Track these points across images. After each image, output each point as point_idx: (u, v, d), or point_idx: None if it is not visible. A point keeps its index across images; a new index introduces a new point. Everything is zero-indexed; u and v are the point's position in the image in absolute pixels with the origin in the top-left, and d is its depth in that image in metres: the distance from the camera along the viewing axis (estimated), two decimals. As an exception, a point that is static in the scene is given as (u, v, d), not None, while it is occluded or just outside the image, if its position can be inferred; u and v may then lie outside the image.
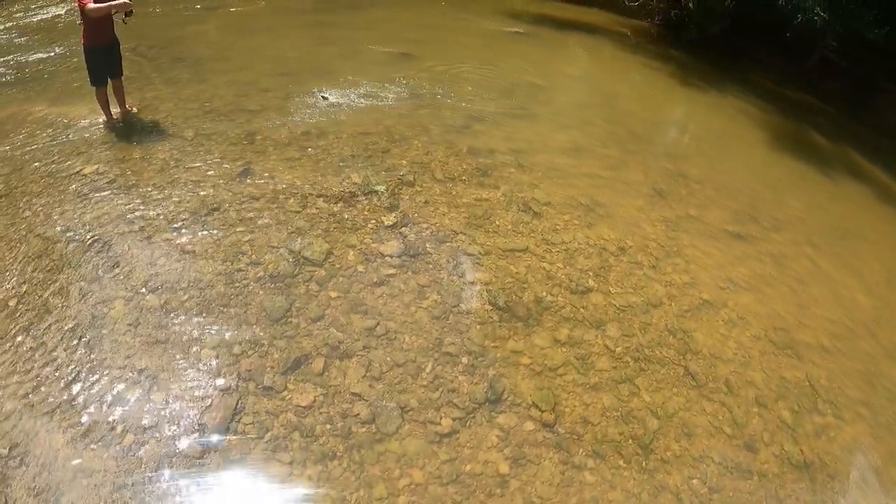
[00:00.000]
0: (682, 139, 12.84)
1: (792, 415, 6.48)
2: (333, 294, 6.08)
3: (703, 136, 13.05)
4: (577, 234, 7.74)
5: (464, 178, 8.31)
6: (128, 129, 8.47)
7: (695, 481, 5.50)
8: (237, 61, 11.54)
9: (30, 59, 11.29)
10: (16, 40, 12.36)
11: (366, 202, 7.41)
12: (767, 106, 15.24)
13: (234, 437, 4.79)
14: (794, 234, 9.65)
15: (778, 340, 7.32)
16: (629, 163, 10.18)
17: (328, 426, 4.99)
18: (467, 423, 5.29)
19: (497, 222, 7.60)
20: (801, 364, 7.14)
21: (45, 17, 13.94)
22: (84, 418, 4.82)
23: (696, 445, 5.80)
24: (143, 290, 5.90)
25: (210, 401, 5.00)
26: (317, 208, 7.16)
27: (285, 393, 5.15)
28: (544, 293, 6.74)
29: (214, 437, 4.77)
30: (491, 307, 6.39)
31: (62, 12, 14.08)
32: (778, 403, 6.53)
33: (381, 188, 7.63)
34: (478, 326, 6.14)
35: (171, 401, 4.97)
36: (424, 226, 7.21)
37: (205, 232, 6.64)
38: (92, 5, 7.26)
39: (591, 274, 7.20)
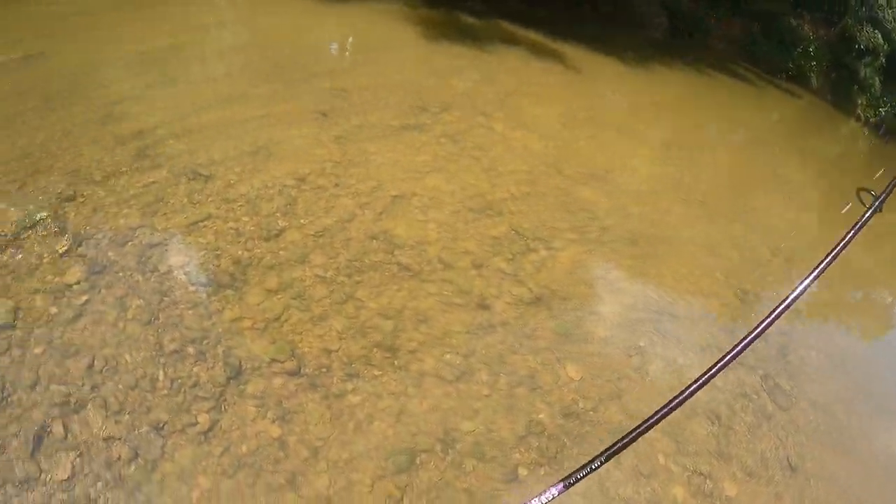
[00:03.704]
0: (338, 57, 13.17)
1: (509, 263, 7.24)
2: (38, 350, 5.80)
3: (359, 48, 13.49)
4: (254, 182, 7.90)
5: (123, 169, 8.01)
6: None
7: (448, 356, 6.05)
8: None
9: None
10: None
11: (33, 237, 6.97)
12: (414, 2, 15.75)
13: (22, 554, 4.59)
14: (462, 110, 10.43)
15: (475, 206, 8.03)
16: (288, 95, 10.37)
17: (99, 484, 4.90)
18: (222, 408, 5.48)
19: (171, 201, 7.52)
20: (502, 218, 7.94)
21: None
22: None
23: (436, 326, 6.35)
24: None
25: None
26: (-17, 266, 6.69)
27: (43, 475, 4.94)
28: (240, 252, 6.93)
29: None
30: (194, 287, 6.49)
31: None
32: (494, 259, 7.27)
33: (43, 215, 7.21)
34: (190, 312, 6.23)
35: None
36: (100, 236, 6.99)
37: None
38: None
39: (279, 215, 7.44)
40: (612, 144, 11.43)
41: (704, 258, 9.67)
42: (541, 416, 6.00)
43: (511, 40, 14.75)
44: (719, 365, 2.71)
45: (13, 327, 6.01)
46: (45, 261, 6.70)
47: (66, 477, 4.92)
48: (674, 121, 13.15)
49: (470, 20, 15.50)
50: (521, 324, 6.69)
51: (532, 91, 12.11)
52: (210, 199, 7.62)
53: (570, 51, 15.22)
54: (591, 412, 6.27)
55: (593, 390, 6.48)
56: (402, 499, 5.13)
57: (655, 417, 2.53)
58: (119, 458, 5.04)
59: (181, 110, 9.63)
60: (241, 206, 7.55)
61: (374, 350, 6.08)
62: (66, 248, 6.83)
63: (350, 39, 14.23)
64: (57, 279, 6.48)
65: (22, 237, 7.01)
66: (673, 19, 25.17)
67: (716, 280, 9.32)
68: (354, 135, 9.29)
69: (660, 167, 11.59)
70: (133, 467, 5.00)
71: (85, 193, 7.59)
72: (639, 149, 11.47)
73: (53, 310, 6.18)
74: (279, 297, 6.49)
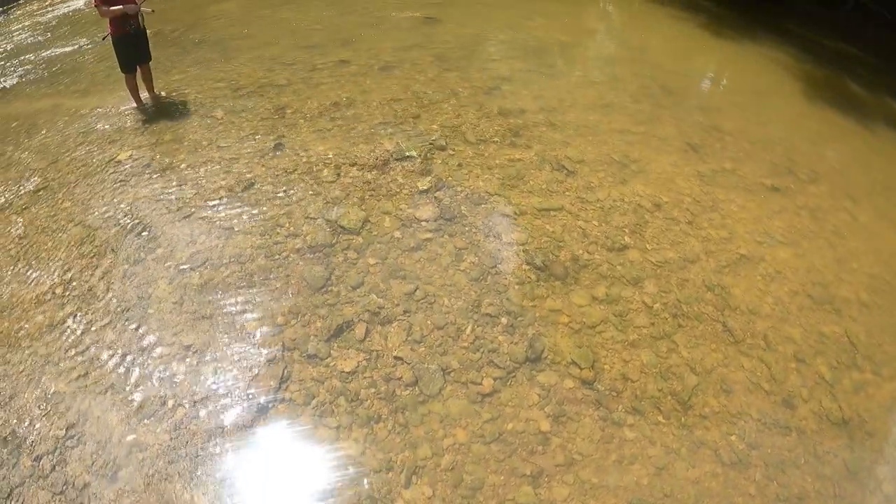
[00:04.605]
0: (715, 92, 12.56)
1: (830, 371, 6.34)
2: (372, 261, 6.11)
3: (737, 88, 12.75)
4: (612, 192, 7.64)
5: (495, 139, 8.26)
6: (158, 114, 8.61)
7: (733, 437, 5.43)
8: (261, 37, 11.61)
9: (55, 54, 11.50)
10: (40, 37, 12.58)
11: (399, 168, 7.42)
12: (802, 55, 14.78)
13: (282, 405, 4.86)
14: (831, 186, 9.39)
15: (816, 295, 7.15)
16: (661, 117, 10.01)
17: (372, 390, 5.05)
18: (508, 383, 5.29)
19: (531, 182, 7.54)
20: (839, 319, 6.98)
21: (65, 11, 14.12)
22: (136, 395, 4.92)
23: (735, 401, 5.71)
24: (186, 268, 5.99)
25: (257, 371, 5.08)
26: (351, 177, 7.20)
27: (329, 360, 5.20)
28: (581, 251, 6.68)
29: (262, 406, 4.84)
30: (528, 267, 6.35)
31: (81, 4, 14.29)
32: (816, 359, 6.39)
33: (414, 153, 7.64)
34: (516, 286, 6.11)
35: (218, 373, 5.07)
36: (458, 189, 7.19)
37: (242, 207, 6.72)
38: (103, 7, 7.68)
39: (626, 231, 7.12)
40: None
41: None
42: (786, 543, 5.22)
43: (896, 123, 13.17)
44: None
45: (357, 234, 6.41)
46: (403, 191, 7.05)
47: (348, 370, 5.14)
48: None
49: (855, 87, 13.97)
50: (817, 440, 5.77)
51: (912, 191, 10.73)
52: (567, 193, 7.49)
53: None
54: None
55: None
56: (620, 547, 4.72)
57: None
58: (399, 379, 5.15)
59: (558, 103, 9.75)
60: (593, 210, 7.31)
61: (668, 398, 5.58)
62: (426, 188, 7.12)
63: (726, 76, 13.50)
64: (409, 210, 6.77)
65: (390, 165, 7.45)
66: None
67: None
68: (719, 178, 8.58)
69: None
70: (407, 392, 5.08)
71: (456, 148, 7.90)
72: None
73: (397, 234, 6.46)
74: (602, 307, 6.19)
